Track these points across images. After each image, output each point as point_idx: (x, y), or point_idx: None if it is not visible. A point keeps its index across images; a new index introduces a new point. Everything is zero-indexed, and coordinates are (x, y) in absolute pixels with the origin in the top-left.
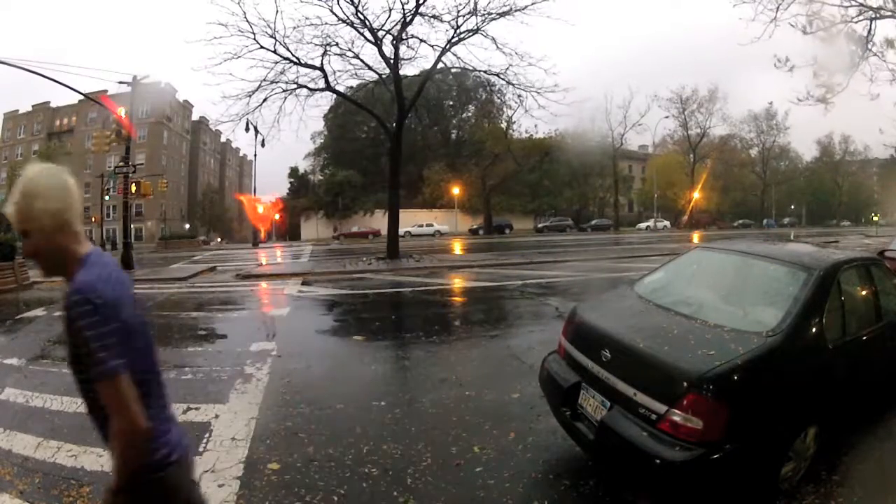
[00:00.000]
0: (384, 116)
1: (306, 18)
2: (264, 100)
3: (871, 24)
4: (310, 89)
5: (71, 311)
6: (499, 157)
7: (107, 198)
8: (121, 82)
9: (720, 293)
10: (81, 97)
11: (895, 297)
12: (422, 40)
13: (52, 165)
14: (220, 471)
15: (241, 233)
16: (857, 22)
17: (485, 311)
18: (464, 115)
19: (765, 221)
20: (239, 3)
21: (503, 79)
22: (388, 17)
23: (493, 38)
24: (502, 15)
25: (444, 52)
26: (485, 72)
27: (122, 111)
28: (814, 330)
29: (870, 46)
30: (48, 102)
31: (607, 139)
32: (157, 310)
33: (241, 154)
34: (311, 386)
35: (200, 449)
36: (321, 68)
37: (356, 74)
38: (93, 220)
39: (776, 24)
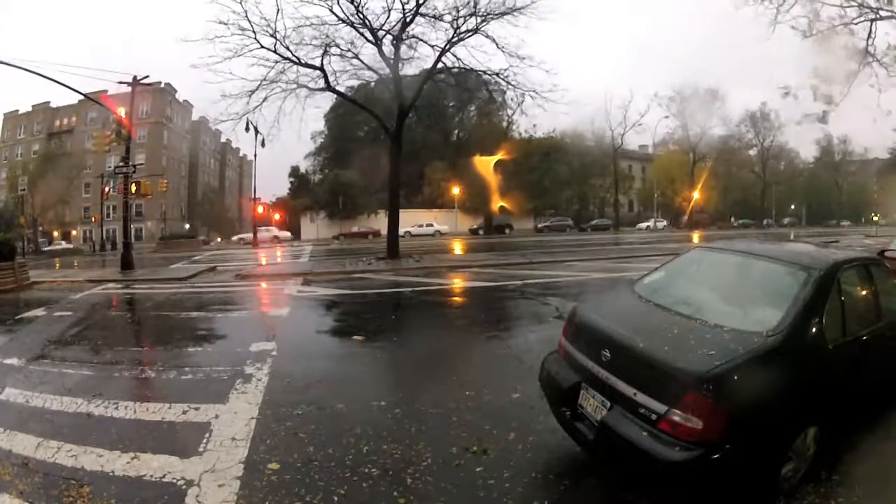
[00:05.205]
0: (384, 116)
1: (306, 18)
2: (264, 99)
3: (871, 25)
4: (310, 89)
5: None
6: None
7: (107, 198)
8: (121, 82)
9: (720, 293)
10: (81, 97)
11: (895, 296)
12: (422, 40)
13: None
14: (220, 471)
15: (241, 232)
16: (857, 24)
17: (485, 312)
18: (465, 115)
19: (765, 221)
20: (240, 2)
21: (502, 79)
22: (388, 17)
23: (493, 39)
24: (501, 15)
25: (443, 52)
26: (484, 72)
27: (122, 111)
28: (814, 330)
29: (870, 50)
30: (48, 102)
31: (607, 139)
32: (157, 310)
33: (241, 154)
34: (311, 386)
35: (200, 449)
36: (321, 68)
37: (356, 75)
38: (93, 220)
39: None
